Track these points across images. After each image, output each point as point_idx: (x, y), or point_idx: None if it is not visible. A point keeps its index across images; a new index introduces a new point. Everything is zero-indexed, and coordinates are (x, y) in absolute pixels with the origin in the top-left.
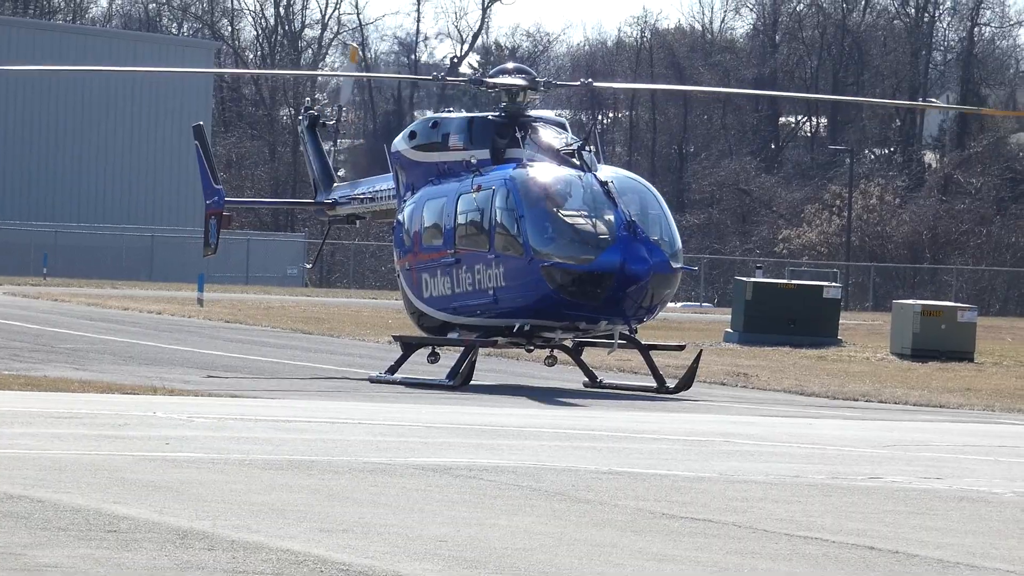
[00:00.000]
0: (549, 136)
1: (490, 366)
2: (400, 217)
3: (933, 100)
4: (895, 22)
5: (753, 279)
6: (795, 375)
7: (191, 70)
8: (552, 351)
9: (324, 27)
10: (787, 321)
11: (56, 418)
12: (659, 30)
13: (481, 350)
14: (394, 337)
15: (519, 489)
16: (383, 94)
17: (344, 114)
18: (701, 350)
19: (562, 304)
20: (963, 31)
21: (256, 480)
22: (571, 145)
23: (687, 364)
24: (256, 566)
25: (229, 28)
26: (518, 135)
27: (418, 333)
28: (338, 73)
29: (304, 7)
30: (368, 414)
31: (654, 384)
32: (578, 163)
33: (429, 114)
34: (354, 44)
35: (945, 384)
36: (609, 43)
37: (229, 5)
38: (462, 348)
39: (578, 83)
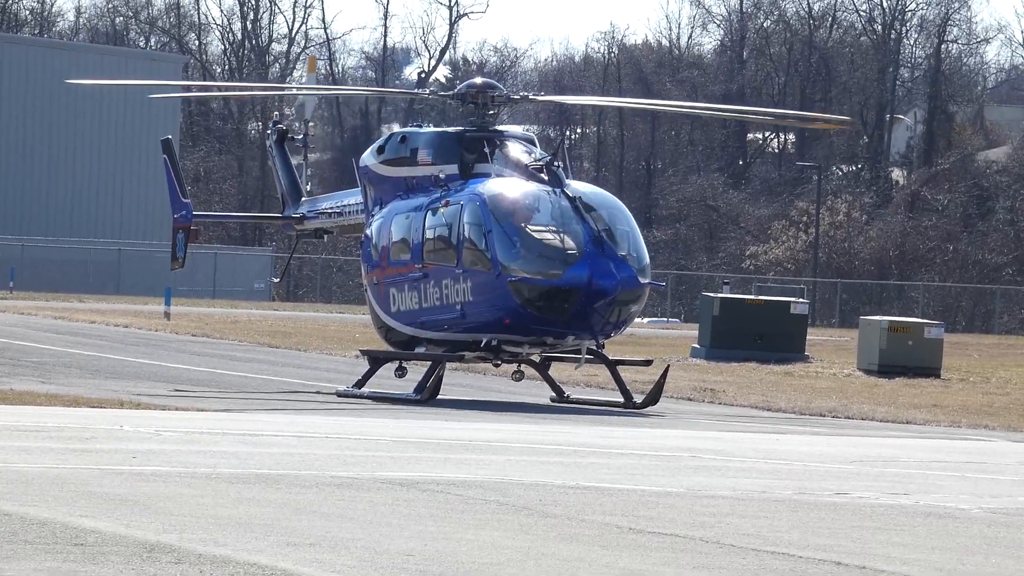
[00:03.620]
0: (518, 151)
1: (457, 381)
2: (368, 232)
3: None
4: (862, 39)
5: (720, 295)
6: (762, 391)
7: (160, 82)
8: (519, 366)
9: (291, 41)
10: (754, 337)
11: (22, 431)
12: (626, 46)
13: (448, 365)
14: (361, 351)
15: (486, 503)
16: (351, 108)
17: (311, 128)
18: (668, 365)
19: (529, 319)
20: (930, 48)
21: (223, 494)
22: (540, 160)
23: (654, 379)
24: None
25: (196, 42)
26: (487, 150)
27: (385, 347)
28: (306, 86)
29: (271, 22)
30: (335, 428)
31: (621, 399)
32: (546, 178)
33: (397, 128)
34: (312, 55)
35: (912, 400)
36: (577, 59)
37: (196, 19)
38: (429, 363)
39: (518, 97)
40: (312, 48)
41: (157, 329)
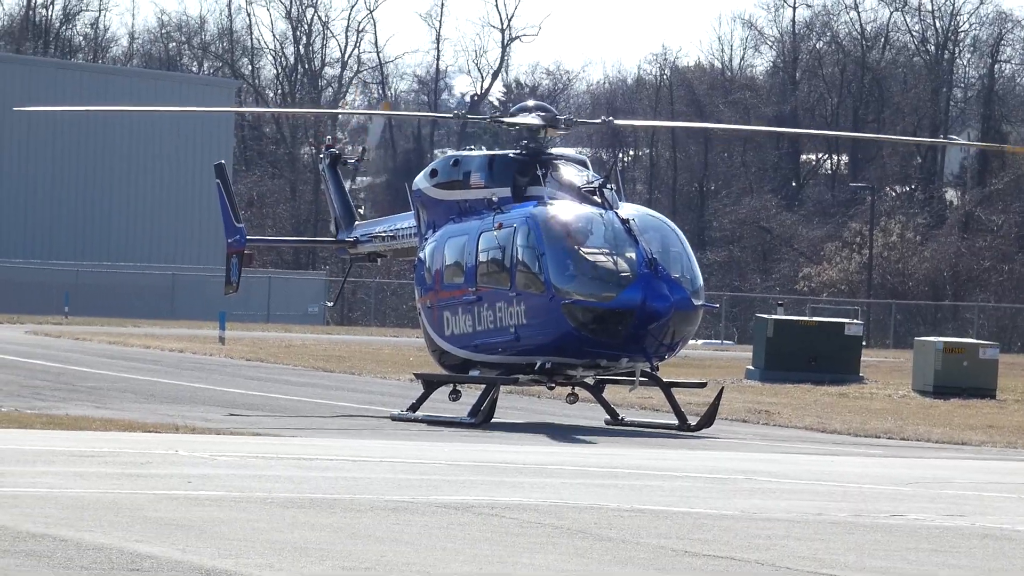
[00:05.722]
0: (570, 174)
1: (511, 404)
2: (421, 255)
3: (954, 137)
4: (915, 59)
5: (774, 316)
6: (817, 412)
7: (213, 109)
8: (574, 389)
9: (344, 65)
10: (808, 358)
11: (78, 457)
12: (679, 67)
13: (503, 388)
14: (416, 375)
15: (541, 527)
16: (403, 132)
17: (367, 155)
18: (722, 387)
19: (583, 342)
20: (983, 68)
21: (278, 518)
22: (592, 183)
23: (708, 401)
24: None
25: (249, 67)
26: (539, 173)
27: (439, 371)
28: (360, 111)
29: (324, 46)
30: (390, 452)
31: (676, 421)
32: (599, 201)
33: (450, 152)
34: (388, 100)
35: (967, 421)
36: (629, 81)
37: (249, 44)
38: (483, 386)
39: (599, 121)
40: (364, 72)
41: (211, 354)
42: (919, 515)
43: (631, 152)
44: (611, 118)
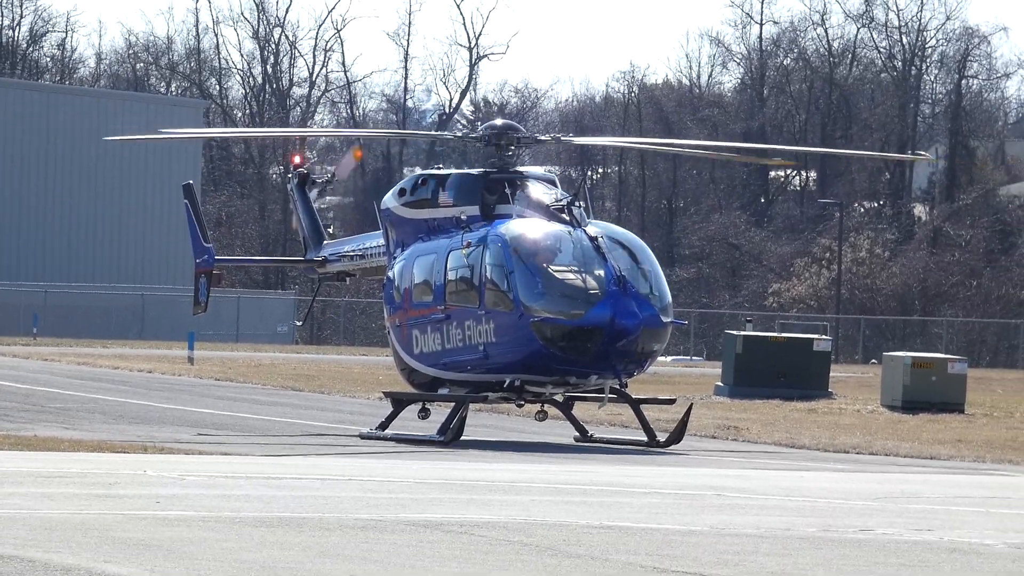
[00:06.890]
0: (538, 192)
1: (481, 421)
2: (390, 274)
3: (922, 152)
4: (882, 75)
5: (743, 332)
6: (786, 428)
7: (180, 132)
8: (543, 406)
9: (312, 85)
10: (777, 374)
11: (46, 478)
12: (647, 85)
13: (472, 405)
14: (385, 393)
15: (510, 544)
16: (372, 151)
17: (335, 179)
18: (691, 404)
19: (552, 359)
20: (951, 84)
21: (247, 538)
22: (560, 200)
23: (678, 418)
24: None
25: (217, 87)
26: (507, 191)
27: (409, 389)
28: (328, 131)
29: (292, 65)
30: (359, 471)
31: (645, 438)
32: (567, 218)
33: (418, 171)
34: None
35: (936, 436)
36: (597, 98)
37: (217, 64)
38: (452, 404)
39: (548, 137)
40: (332, 91)
41: (180, 374)
42: (887, 530)
43: (600, 169)
44: (559, 135)
